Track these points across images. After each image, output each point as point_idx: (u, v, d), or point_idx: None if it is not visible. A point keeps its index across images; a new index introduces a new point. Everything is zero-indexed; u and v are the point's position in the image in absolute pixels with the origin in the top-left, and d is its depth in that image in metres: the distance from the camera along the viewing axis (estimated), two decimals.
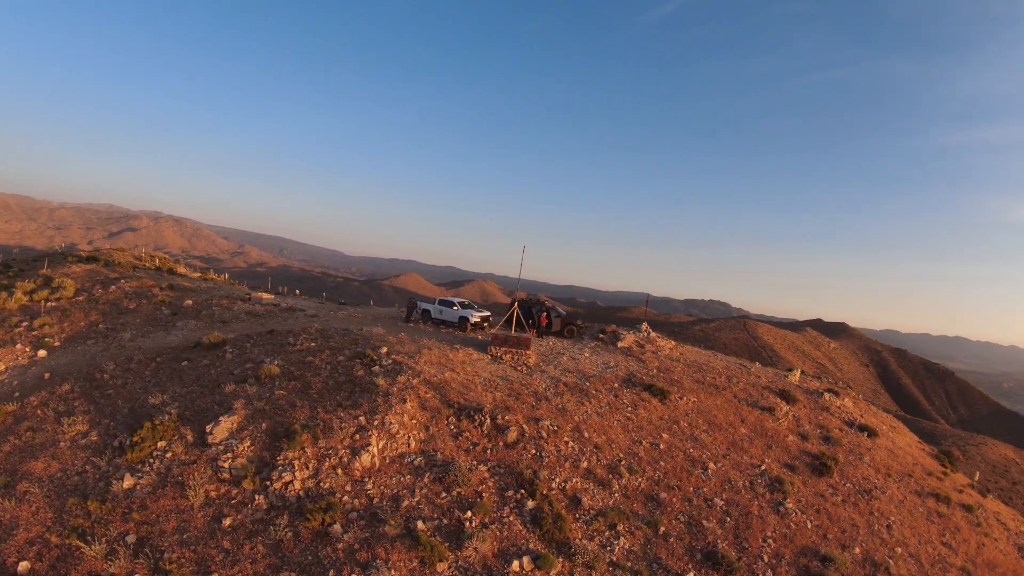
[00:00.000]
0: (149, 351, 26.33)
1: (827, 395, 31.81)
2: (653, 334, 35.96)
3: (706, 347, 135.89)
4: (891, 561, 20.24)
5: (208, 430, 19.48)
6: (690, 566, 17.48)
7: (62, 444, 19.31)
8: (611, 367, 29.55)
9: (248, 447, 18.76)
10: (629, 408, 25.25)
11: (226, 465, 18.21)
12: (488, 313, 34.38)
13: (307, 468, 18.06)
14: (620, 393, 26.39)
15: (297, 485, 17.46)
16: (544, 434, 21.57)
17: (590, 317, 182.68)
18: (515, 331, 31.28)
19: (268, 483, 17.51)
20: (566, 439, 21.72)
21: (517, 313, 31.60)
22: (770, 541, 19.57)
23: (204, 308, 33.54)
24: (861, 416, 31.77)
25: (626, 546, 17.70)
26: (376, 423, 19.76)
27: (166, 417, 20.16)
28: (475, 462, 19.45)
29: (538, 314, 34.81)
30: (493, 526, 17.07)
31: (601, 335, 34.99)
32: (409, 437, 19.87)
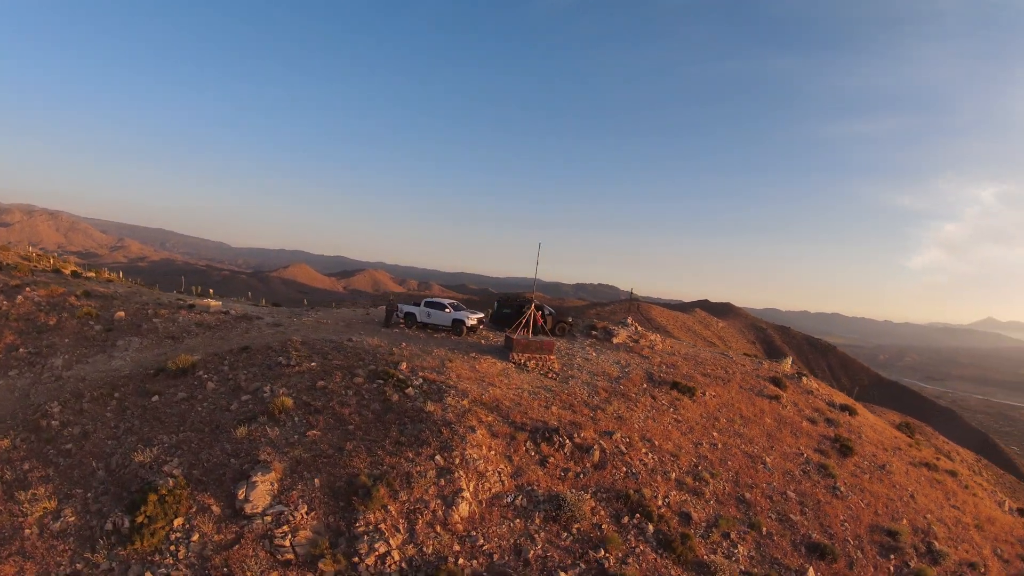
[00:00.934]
0: (98, 383, 19.96)
1: (804, 379, 33.97)
2: (639, 328, 35.70)
3: None
4: (933, 527, 21.76)
5: (240, 495, 14.89)
6: (804, 561, 17.38)
7: (29, 532, 13.57)
8: (625, 366, 28.50)
9: (307, 514, 14.62)
10: (671, 409, 24.38)
11: (287, 543, 13.98)
12: (483, 315, 31.45)
13: (398, 531, 14.49)
14: (655, 394, 25.43)
15: (395, 555, 13.89)
16: (622, 448, 19.83)
17: (486, 305, 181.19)
18: (525, 333, 28.92)
19: (356, 559, 13.72)
20: (643, 451, 20.18)
21: (533, 314, 29.22)
22: (846, 524, 19.98)
23: (142, 320, 26.56)
24: (831, 396, 34.42)
25: (746, 553, 17.02)
26: (456, 461, 16.56)
27: (171, 481, 15.07)
28: (576, 491, 17.19)
29: (535, 314, 32.65)
30: (631, 560, 15.14)
31: (593, 332, 33.84)
32: (499, 473, 16.99)
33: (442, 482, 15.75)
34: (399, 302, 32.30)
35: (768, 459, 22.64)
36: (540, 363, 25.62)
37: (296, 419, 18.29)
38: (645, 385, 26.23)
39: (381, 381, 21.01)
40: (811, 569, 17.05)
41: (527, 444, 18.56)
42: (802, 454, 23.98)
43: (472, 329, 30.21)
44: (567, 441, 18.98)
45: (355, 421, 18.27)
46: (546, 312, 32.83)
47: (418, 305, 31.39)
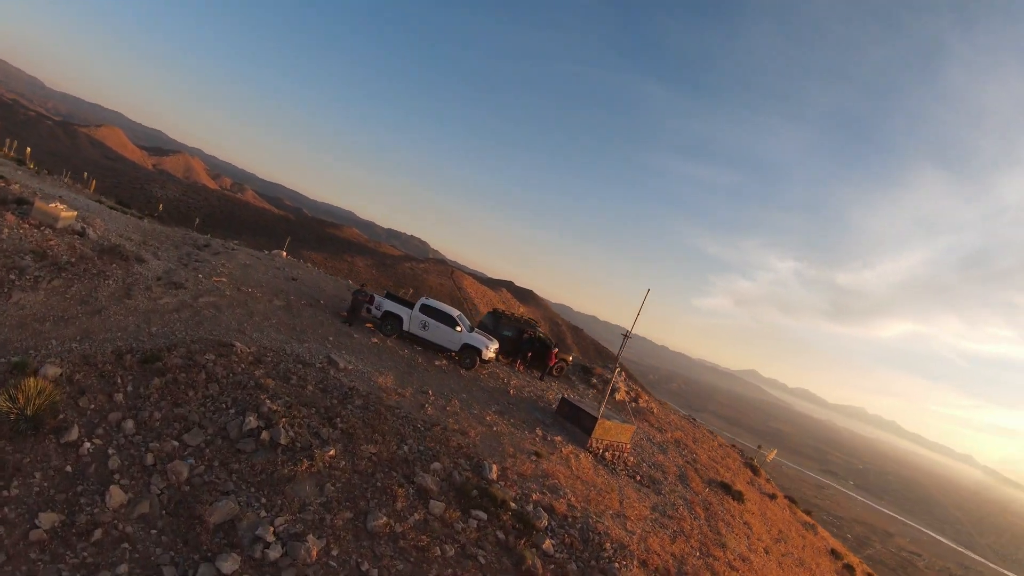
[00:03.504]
0: None
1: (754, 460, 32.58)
2: (626, 377, 30.04)
3: (415, 288, 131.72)
4: None
5: None
6: None
7: None
8: (664, 449, 22.69)
9: None
10: (747, 529, 19.39)
11: None
12: (497, 343, 21.76)
13: None
14: (724, 505, 20.16)
15: None
16: None
17: (300, 225, 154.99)
18: (520, 366, 20.67)
19: None
20: None
21: (615, 381, 20.91)
22: None
23: None
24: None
25: None
26: None
27: None
28: None
29: (541, 349, 24.18)
30: None
31: (594, 380, 27.06)
32: None
33: None
34: (373, 293, 20.87)
35: None
36: (616, 453, 18.17)
37: None
38: (707, 490, 20.80)
39: (483, 514, 11.39)
40: None
41: None
42: None
43: (486, 362, 20.78)
44: None
45: None
46: (552, 346, 24.91)
47: (408, 306, 20.59)
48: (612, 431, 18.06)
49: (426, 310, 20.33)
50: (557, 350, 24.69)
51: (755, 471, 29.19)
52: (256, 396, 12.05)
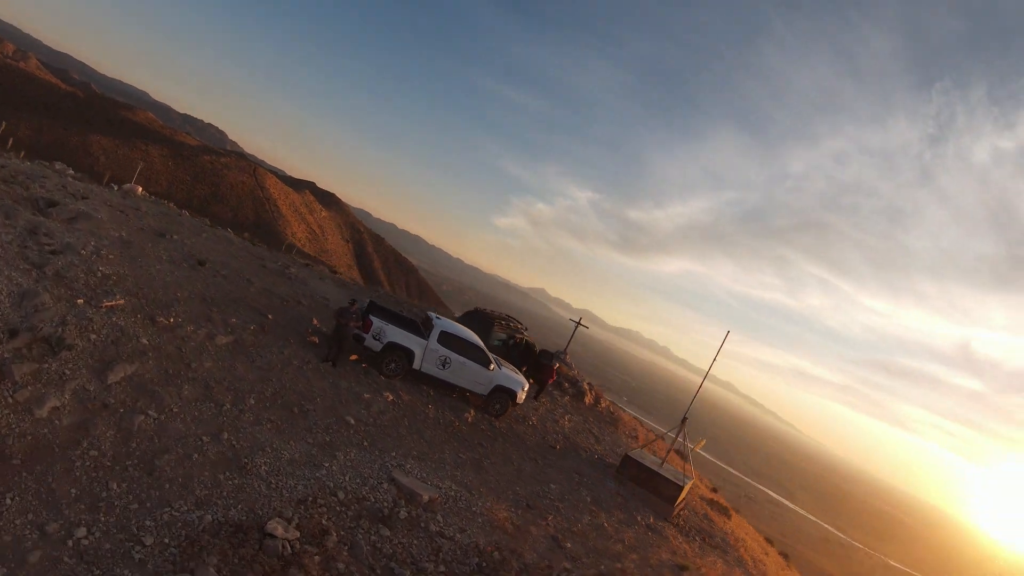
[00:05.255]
0: None
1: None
2: (576, 371, 27.10)
3: (212, 187, 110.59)
4: None
5: None
6: None
7: None
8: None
9: None
10: (751, 552, 19.15)
11: None
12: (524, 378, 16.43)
13: None
14: (735, 531, 19.47)
15: None
16: None
17: (88, 104, 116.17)
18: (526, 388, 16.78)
19: None
20: None
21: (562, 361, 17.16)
22: None
23: None
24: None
25: None
26: None
27: None
28: None
29: (536, 360, 19.55)
30: None
31: (567, 384, 23.60)
32: None
33: None
34: (368, 313, 13.98)
35: None
36: (684, 514, 15.72)
37: None
38: (721, 519, 19.89)
39: None
40: None
41: None
42: None
43: (516, 406, 15.89)
44: None
45: None
46: (548, 357, 20.64)
47: (418, 332, 14.35)
48: (684, 490, 15.45)
49: (447, 340, 14.49)
50: (558, 364, 20.72)
51: (684, 457, 29.84)
52: None
